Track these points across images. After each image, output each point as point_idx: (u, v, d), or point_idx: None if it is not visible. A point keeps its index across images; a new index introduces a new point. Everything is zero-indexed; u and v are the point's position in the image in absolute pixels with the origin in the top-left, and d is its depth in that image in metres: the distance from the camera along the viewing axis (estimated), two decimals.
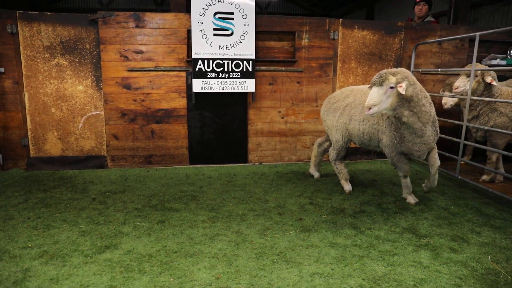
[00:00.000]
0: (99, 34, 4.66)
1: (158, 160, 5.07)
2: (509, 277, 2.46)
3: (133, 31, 4.72)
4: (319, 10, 16.93)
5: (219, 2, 4.68)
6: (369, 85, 3.20)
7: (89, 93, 4.79)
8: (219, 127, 5.14)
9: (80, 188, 4.13)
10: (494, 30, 3.91)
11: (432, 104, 3.36)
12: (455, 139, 4.55)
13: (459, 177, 4.40)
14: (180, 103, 4.97)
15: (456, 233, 3.10)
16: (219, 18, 4.72)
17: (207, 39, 4.71)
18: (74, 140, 4.85)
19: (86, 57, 4.70)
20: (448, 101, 4.55)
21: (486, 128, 4.10)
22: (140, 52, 4.78)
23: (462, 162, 4.46)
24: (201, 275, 2.45)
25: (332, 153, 4.17)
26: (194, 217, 3.36)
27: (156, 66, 4.83)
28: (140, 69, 4.80)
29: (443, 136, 4.75)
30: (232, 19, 4.75)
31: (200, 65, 4.74)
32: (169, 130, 5.02)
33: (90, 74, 4.75)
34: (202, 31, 4.69)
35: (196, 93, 4.88)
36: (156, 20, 4.75)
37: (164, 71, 4.86)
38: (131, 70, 4.79)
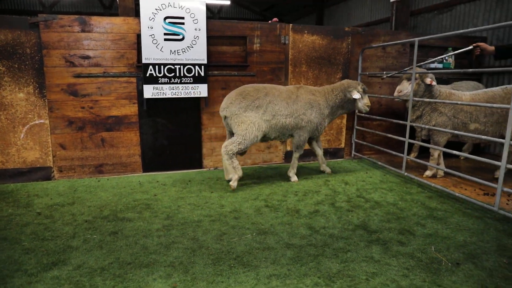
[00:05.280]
0: (41, 38, 4.41)
1: (110, 169, 4.87)
2: (449, 264, 2.64)
3: (78, 35, 4.52)
4: (271, 15, 17.24)
5: (169, 7, 4.62)
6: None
7: (31, 100, 4.51)
8: (172, 133, 5.05)
9: (23, 202, 3.87)
10: (430, 36, 4.21)
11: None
12: (401, 138, 4.82)
13: (405, 173, 4.66)
14: (131, 109, 4.83)
15: (403, 226, 3.28)
16: (169, 22, 4.65)
17: (157, 44, 4.62)
18: (15, 152, 4.53)
19: (27, 62, 4.43)
20: (404, 89, 4.58)
21: (427, 127, 4.39)
22: (87, 57, 4.59)
23: (407, 159, 4.73)
24: (156, 285, 2.38)
25: (237, 148, 4.15)
26: (149, 226, 3.27)
27: (104, 72, 4.66)
28: (87, 75, 4.60)
29: (390, 135, 5.02)
30: (183, 23, 4.70)
31: (151, 70, 4.64)
32: (121, 137, 4.85)
33: (32, 80, 4.47)
34: (152, 36, 4.59)
35: (148, 99, 4.77)
36: (104, 24, 4.58)
37: (113, 77, 4.69)
38: (78, 76, 4.57)
